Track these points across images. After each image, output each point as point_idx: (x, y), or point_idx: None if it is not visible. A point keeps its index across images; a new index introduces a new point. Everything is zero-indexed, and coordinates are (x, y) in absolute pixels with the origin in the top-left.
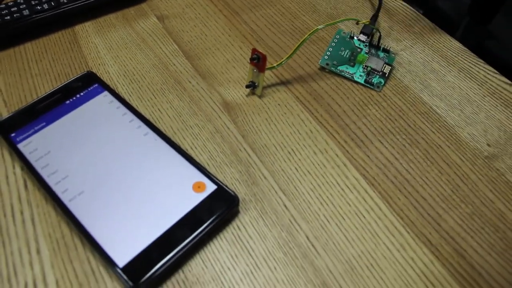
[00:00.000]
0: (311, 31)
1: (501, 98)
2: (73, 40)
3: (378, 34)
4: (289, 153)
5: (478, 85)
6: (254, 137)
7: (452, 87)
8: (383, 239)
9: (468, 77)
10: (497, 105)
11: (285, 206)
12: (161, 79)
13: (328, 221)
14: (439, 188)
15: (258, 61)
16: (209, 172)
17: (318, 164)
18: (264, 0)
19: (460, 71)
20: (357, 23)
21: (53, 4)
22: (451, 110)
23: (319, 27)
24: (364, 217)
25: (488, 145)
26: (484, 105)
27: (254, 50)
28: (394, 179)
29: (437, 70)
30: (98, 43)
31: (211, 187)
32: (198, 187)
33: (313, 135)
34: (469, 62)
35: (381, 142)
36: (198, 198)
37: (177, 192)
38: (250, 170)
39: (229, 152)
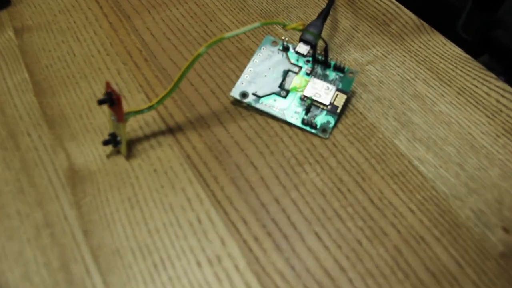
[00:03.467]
0: (210, 42)
1: None
2: None
3: (324, 44)
4: (155, 265)
5: (488, 116)
6: (103, 235)
7: (447, 124)
8: None
9: (472, 104)
10: None
11: None
12: None
13: None
14: None
15: (111, 104)
16: None
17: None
18: None
19: (460, 94)
20: (284, 28)
21: None
22: (444, 167)
23: (225, 35)
24: None
25: (505, 230)
26: (498, 153)
27: (107, 86)
28: None
29: (423, 95)
30: None
31: None
32: None
33: (201, 228)
34: (473, 79)
35: (319, 237)
36: None
37: None
38: None
39: (57, 264)
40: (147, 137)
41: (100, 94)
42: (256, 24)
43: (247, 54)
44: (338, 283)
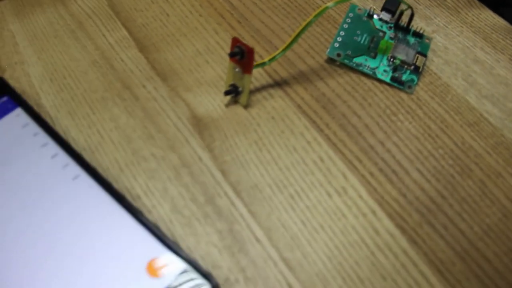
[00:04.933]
0: (319, 10)
1: None
2: None
3: (410, 11)
4: (292, 197)
5: None
6: (239, 173)
7: (505, 84)
8: None
9: None
10: None
11: (290, 287)
12: (104, 84)
13: None
14: (507, 243)
15: (241, 57)
16: (172, 242)
17: (335, 213)
18: None
19: None
20: None
21: None
22: (508, 119)
23: (329, 5)
24: None
25: None
26: None
27: (235, 41)
28: (444, 230)
29: (481, 60)
30: (17, 31)
31: (176, 268)
32: (155, 268)
33: (324, 166)
34: None
35: (421, 172)
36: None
37: (122, 281)
38: (235, 229)
39: (203, 199)
40: (258, 90)
41: (204, 51)
42: None
43: (329, 20)
44: (442, 208)
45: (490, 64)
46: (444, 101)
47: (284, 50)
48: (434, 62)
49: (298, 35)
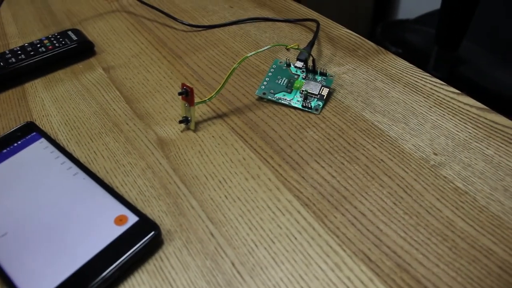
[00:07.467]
0: (239, 60)
1: (448, 108)
2: (22, 97)
3: (312, 58)
4: (220, 181)
5: (425, 97)
6: (185, 170)
7: (397, 102)
8: (315, 260)
9: (414, 91)
10: (444, 114)
11: (211, 234)
12: (100, 124)
13: (256, 246)
14: (379, 202)
15: (187, 95)
16: (131, 205)
17: (249, 190)
18: (208, 42)
19: (406, 86)
20: (287, 49)
21: (1, 64)
22: (395, 124)
23: (248, 55)
24: (296, 238)
25: (435, 153)
26: (431, 115)
27: (183, 85)
28: (331, 197)
29: (380, 88)
30: (45, 97)
31: (132, 219)
32: (120, 220)
33: (245, 162)
34: (415, 77)
35: (318, 163)
36: (118, 231)
37: (97, 227)
38: (178, 202)
39: (159, 186)
40: (205, 121)
41: (170, 100)
42: (268, 46)
43: (263, 73)
44: (331, 183)
45: (387, 90)
46: (343, 117)
47: (218, 91)
48: (340, 93)
49: (227, 79)
